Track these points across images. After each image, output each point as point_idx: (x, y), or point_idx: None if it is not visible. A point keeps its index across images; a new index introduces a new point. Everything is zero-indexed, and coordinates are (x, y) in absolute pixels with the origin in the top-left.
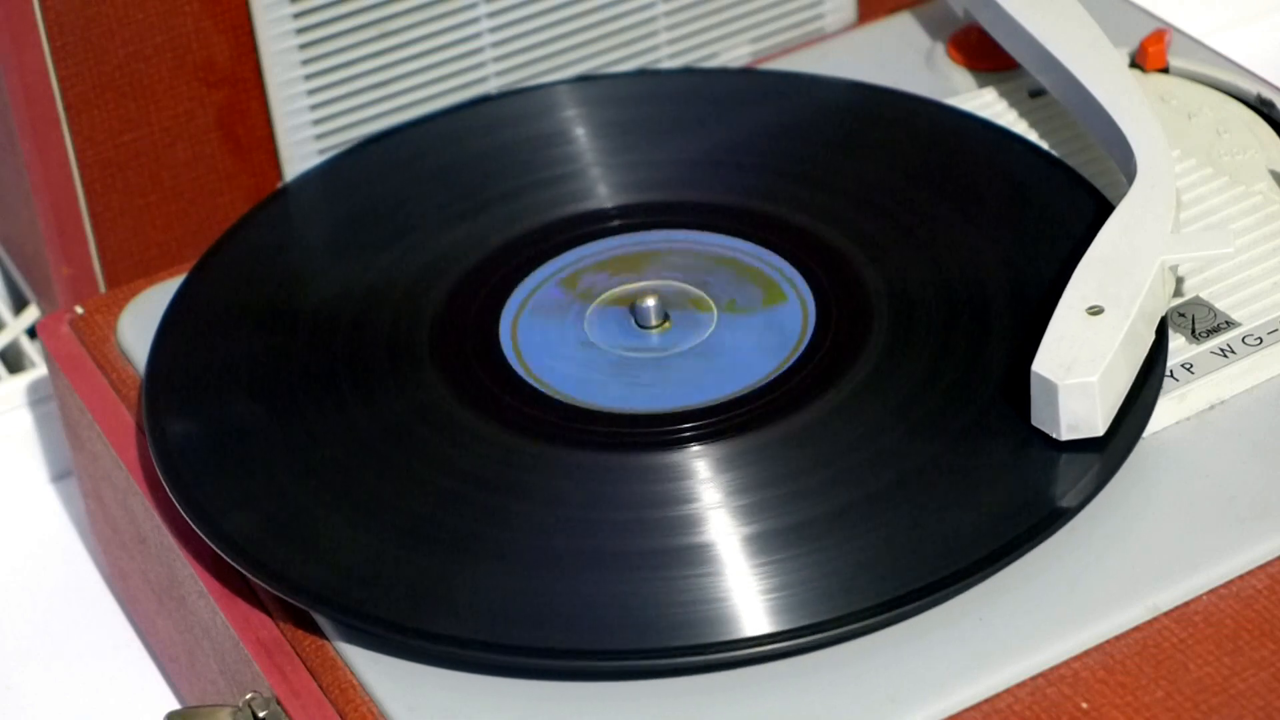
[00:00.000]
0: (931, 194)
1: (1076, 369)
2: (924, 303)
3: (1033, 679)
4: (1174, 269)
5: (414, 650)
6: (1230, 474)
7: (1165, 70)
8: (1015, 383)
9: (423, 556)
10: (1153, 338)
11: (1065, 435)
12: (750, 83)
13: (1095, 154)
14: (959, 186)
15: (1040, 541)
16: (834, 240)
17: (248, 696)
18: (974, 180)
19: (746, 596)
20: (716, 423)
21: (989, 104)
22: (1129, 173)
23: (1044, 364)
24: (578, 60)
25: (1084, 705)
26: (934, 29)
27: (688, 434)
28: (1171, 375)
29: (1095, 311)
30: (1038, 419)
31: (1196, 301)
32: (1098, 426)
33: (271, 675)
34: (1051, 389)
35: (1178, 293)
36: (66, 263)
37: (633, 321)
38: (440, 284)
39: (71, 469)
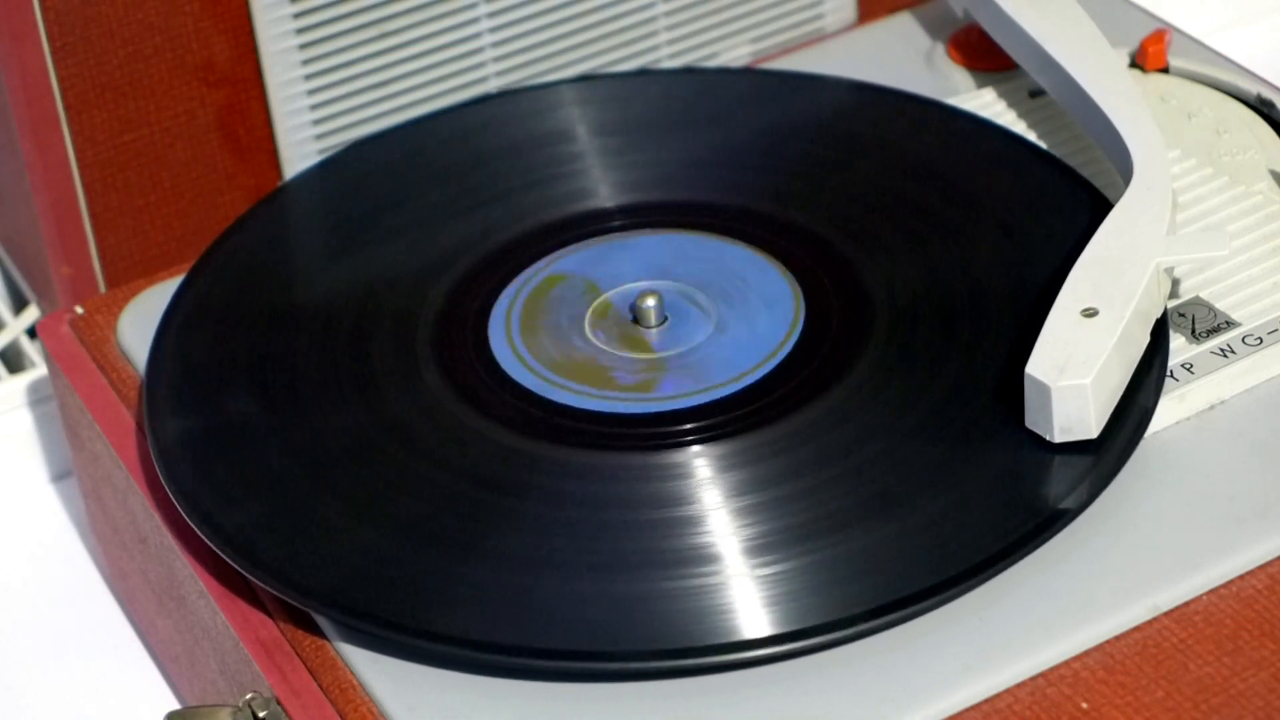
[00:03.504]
0: (931, 194)
1: (1070, 371)
2: (924, 303)
3: (1033, 679)
4: (1169, 271)
5: (414, 650)
6: (1230, 474)
7: (1165, 70)
8: (1013, 384)
9: (423, 556)
10: (1147, 339)
11: (1059, 437)
12: (750, 83)
13: (1095, 154)
14: (959, 186)
15: (1041, 544)
16: (834, 240)
17: (248, 696)
18: (974, 180)
19: (746, 598)
20: (716, 423)
21: (989, 104)
22: (1126, 174)
23: (1037, 366)
24: (578, 60)
25: (1084, 705)
26: (934, 29)
27: (688, 434)
28: (1171, 375)
29: (1089, 313)
30: (1032, 421)
31: (1196, 301)
32: (1091, 429)
33: (271, 675)
34: (1045, 391)
35: (1173, 294)
36: (66, 263)
37: (632, 321)
38: (440, 283)
39: (71, 469)
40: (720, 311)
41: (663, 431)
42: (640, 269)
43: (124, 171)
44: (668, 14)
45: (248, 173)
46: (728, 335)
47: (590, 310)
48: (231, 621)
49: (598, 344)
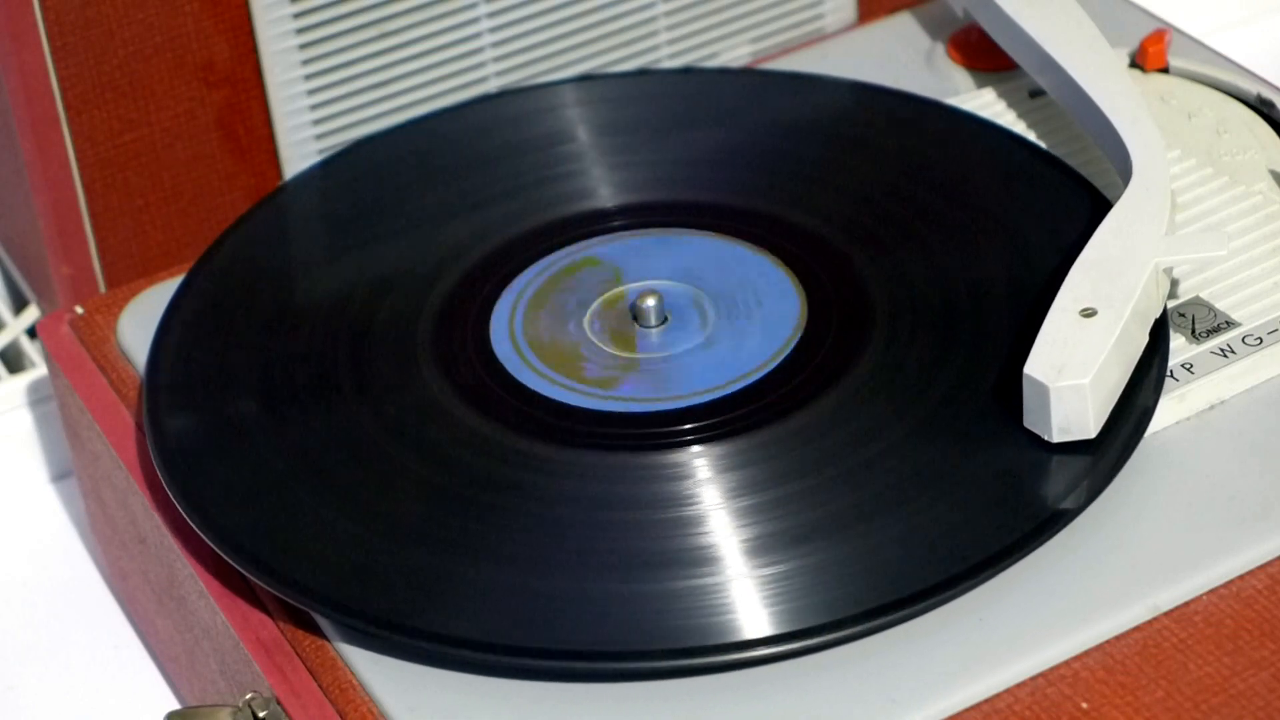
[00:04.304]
0: (931, 194)
1: (1068, 371)
2: (923, 303)
3: (1033, 679)
4: (1168, 271)
5: (414, 650)
6: (1230, 474)
7: (1165, 70)
8: (1012, 385)
9: (422, 556)
10: (1146, 340)
11: (1057, 437)
12: (750, 83)
13: (1095, 154)
14: (959, 186)
15: (1040, 544)
16: (834, 240)
17: (248, 696)
18: (974, 180)
19: (746, 599)
20: (716, 423)
21: (989, 104)
22: (1125, 174)
23: (1036, 366)
24: (578, 60)
25: (1084, 705)
26: (934, 29)
27: (688, 434)
28: (1171, 375)
29: (1088, 313)
30: (1030, 421)
31: (1196, 301)
32: (1090, 428)
33: (271, 675)
34: (1043, 391)
35: (1173, 294)
36: (66, 263)
37: (632, 321)
38: (439, 283)
39: (71, 469)
40: (718, 324)
41: (664, 431)
42: (666, 268)
43: (124, 171)
44: (668, 14)
45: (248, 173)
46: (713, 350)
47: (599, 300)
48: (231, 621)
49: (587, 334)
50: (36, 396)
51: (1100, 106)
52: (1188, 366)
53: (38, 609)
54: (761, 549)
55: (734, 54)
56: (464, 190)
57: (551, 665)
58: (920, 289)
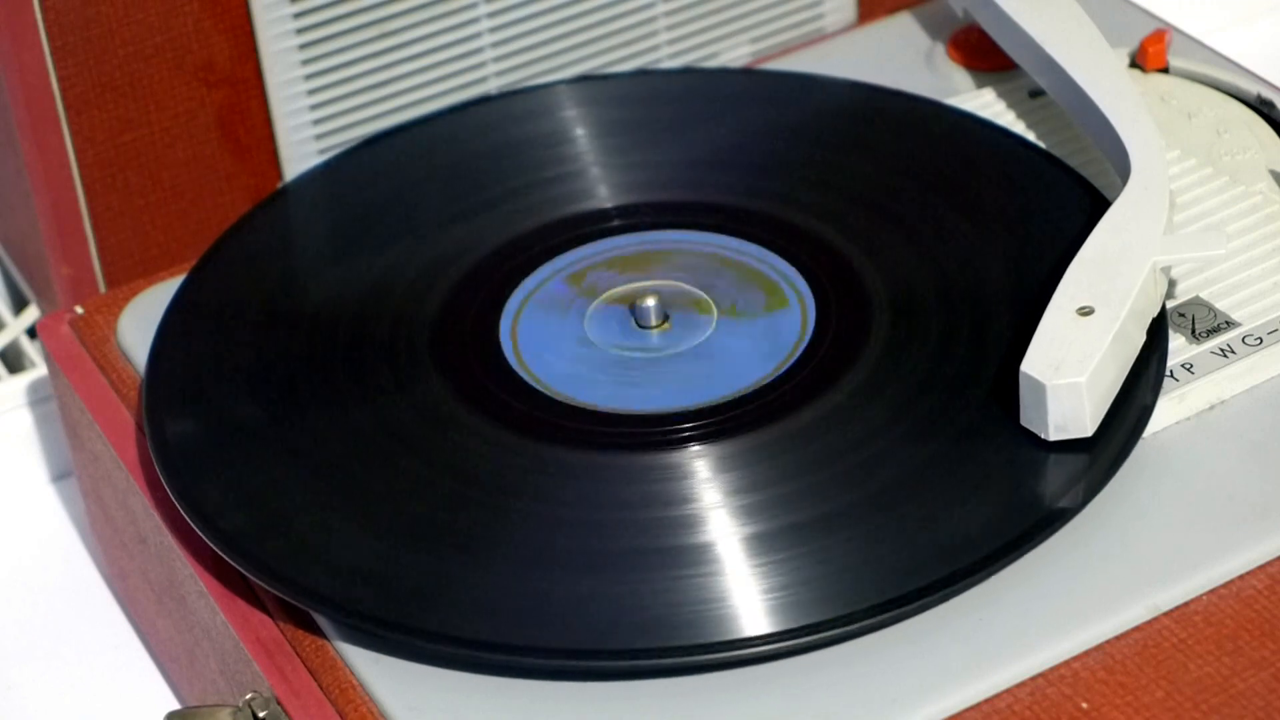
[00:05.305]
0: (931, 194)
1: (1065, 369)
2: (923, 303)
3: (1033, 679)
4: (1166, 270)
5: (414, 650)
6: (1230, 474)
7: (1165, 70)
8: (1010, 383)
9: (423, 556)
10: (1144, 339)
11: (1053, 436)
12: (750, 83)
13: (1095, 154)
14: (958, 186)
15: (1040, 542)
16: (833, 240)
17: (248, 696)
18: (973, 180)
19: (746, 596)
20: (716, 423)
21: (989, 104)
22: (1124, 174)
23: (1033, 364)
24: (578, 60)
25: (1084, 705)
26: (934, 29)
27: (688, 434)
28: (1171, 375)
29: (1085, 312)
30: (1027, 419)
31: (1196, 301)
32: (1086, 427)
33: (271, 675)
34: (1040, 389)
35: (1173, 294)
36: (66, 263)
37: (632, 321)
38: (440, 284)
39: (71, 469)
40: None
41: (663, 431)
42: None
43: (124, 171)
44: (668, 14)
45: (248, 173)
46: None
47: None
48: (231, 621)
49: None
50: (36, 396)
51: (1099, 106)
52: (1187, 366)
53: (38, 609)
54: (761, 547)
55: (734, 54)
56: (464, 190)
57: (551, 664)
58: (919, 288)
